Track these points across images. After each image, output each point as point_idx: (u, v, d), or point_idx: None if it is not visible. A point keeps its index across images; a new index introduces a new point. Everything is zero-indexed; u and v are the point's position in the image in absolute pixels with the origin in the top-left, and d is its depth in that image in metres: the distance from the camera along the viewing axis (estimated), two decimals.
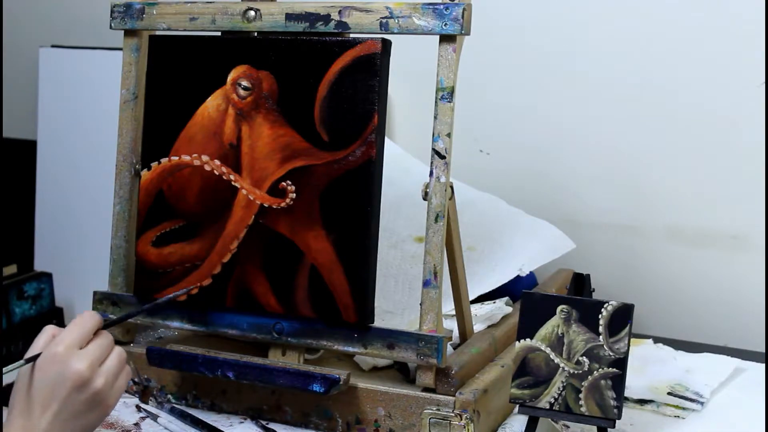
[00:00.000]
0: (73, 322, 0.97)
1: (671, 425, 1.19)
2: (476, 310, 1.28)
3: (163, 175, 1.23)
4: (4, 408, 1.05)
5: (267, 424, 1.20)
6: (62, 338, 0.95)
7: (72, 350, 0.94)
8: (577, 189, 1.61)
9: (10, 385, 0.98)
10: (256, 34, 1.22)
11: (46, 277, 1.65)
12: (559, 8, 1.57)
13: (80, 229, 1.72)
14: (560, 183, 1.61)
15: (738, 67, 1.48)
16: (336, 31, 1.16)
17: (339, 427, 1.17)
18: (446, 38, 1.12)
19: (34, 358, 0.95)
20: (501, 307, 1.31)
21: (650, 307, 1.53)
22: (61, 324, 1.65)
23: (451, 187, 1.13)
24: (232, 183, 1.20)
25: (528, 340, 1.09)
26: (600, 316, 1.07)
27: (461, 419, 1.10)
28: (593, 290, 1.14)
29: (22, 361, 0.95)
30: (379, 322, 1.16)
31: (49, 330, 0.97)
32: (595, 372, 1.07)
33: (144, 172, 1.24)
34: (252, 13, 1.20)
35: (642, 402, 1.24)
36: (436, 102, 1.12)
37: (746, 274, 1.51)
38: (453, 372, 1.12)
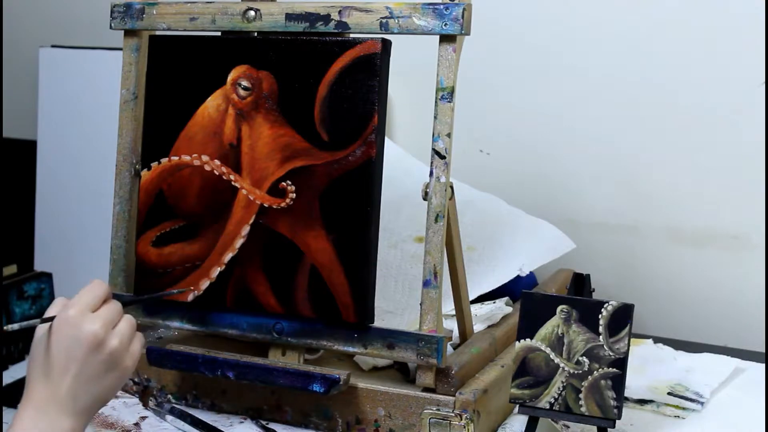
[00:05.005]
0: (83, 289, 0.96)
1: (671, 425, 1.19)
2: (476, 310, 1.28)
3: (163, 175, 1.23)
4: (4, 408, 1.05)
5: (267, 424, 1.20)
6: (73, 302, 0.95)
7: (84, 313, 0.94)
8: (578, 189, 1.61)
9: (10, 385, 0.98)
10: (256, 34, 1.22)
11: (46, 277, 1.65)
12: (559, 8, 1.57)
13: (80, 229, 1.72)
14: (560, 183, 1.61)
15: (738, 67, 1.48)
16: (336, 31, 1.16)
17: (339, 427, 1.17)
18: (446, 38, 1.12)
19: (48, 320, 0.95)
20: (501, 307, 1.31)
21: (650, 307, 1.53)
22: None
23: (451, 187, 1.13)
24: (232, 183, 1.20)
25: (528, 340, 1.09)
26: (600, 316, 1.07)
27: (461, 419, 1.10)
28: (593, 290, 1.14)
29: (38, 320, 0.95)
30: (379, 322, 1.16)
31: (60, 300, 0.97)
32: (595, 372, 1.07)
33: (144, 172, 1.24)
34: (252, 13, 1.20)
35: (642, 402, 1.24)
36: (436, 102, 1.12)
37: (746, 274, 1.51)
38: (453, 372, 1.12)
